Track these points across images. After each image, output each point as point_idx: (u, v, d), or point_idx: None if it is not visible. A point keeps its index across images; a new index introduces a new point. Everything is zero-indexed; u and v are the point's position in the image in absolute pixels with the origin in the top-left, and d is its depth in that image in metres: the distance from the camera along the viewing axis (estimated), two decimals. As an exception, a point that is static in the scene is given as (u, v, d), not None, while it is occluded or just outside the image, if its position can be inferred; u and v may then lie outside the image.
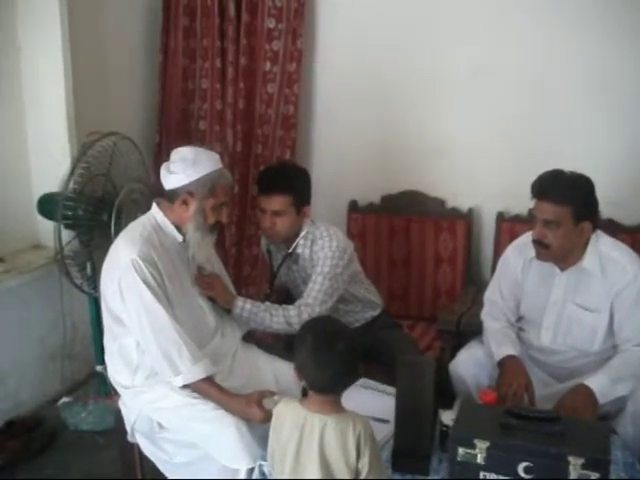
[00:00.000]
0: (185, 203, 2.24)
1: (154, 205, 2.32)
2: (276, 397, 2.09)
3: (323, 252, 2.64)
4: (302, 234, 2.68)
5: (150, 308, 2.16)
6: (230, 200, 2.45)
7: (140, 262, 2.15)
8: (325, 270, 2.61)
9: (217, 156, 2.31)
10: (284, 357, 2.47)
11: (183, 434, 2.21)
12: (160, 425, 2.25)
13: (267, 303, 2.60)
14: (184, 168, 2.22)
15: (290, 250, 2.71)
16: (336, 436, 1.71)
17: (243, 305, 2.51)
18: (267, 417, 2.01)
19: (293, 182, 2.64)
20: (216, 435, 2.13)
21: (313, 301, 2.58)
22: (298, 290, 2.78)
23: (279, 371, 2.44)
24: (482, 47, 3.24)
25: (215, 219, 2.30)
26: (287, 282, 2.90)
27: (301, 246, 2.70)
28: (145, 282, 2.15)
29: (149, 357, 2.22)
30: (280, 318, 2.54)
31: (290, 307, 2.57)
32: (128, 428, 2.32)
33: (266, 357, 2.54)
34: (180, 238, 2.30)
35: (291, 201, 2.60)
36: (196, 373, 2.18)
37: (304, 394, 1.83)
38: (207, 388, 2.19)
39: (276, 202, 2.59)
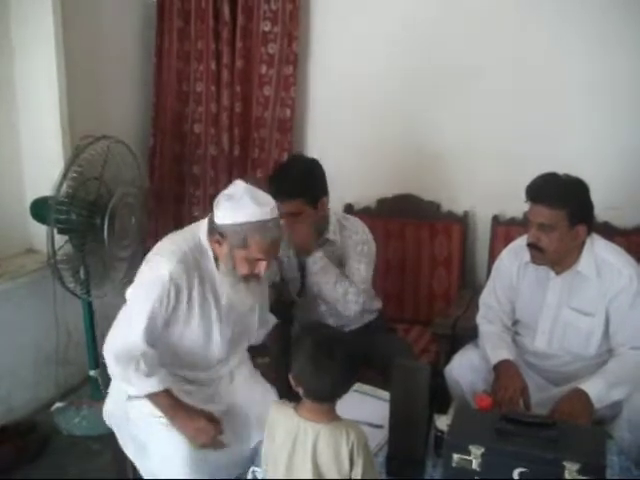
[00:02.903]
0: (218, 242, 2.11)
1: (205, 224, 2.18)
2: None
3: (359, 236, 2.70)
4: (332, 221, 2.71)
5: (140, 310, 2.10)
6: (271, 257, 2.13)
7: (168, 280, 2.08)
8: (372, 254, 2.71)
9: (268, 204, 2.08)
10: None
11: (140, 434, 2.20)
12: (127, 418, 2.22)
13: (337, 270, 2.66)
14: (225, 207, 2.06)
15: (325, 237, 2.70)
16: (329, 446, 1.69)
17: (321, 257, 2.61)
18: (212, 436, 2.06)
19: (303, 185, 2.59)
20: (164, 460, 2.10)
21: (366, 287, 2.70)
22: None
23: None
24: (478, 50, 3.22)
25: (248, 271, 2.11)
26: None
27: (332, 232, 2.71)
28: (158, 297, 2.08)
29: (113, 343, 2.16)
30: (342, 288, 2.63)
31: (350, 284, 2.65)
32: (105, 417, 2.30)
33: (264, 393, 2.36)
34: (216, 269, 2.17)
35: (305, 201, 2.58)
36: (150, 385, 2.11)
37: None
38: (158, 399, 2.13)
39: (291, 206, 2.55)
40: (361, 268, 2.69)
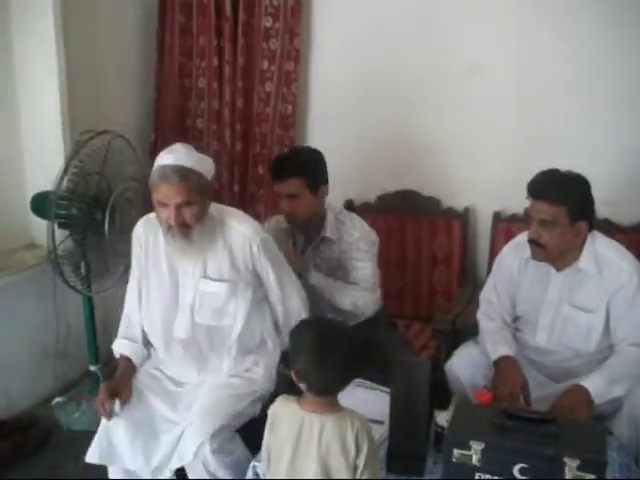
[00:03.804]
0: None
1: None
2: (117, 407, 2.22)
3: (358, 234, 2.70)
4: (329, 219, 2.71)
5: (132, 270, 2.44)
6: (174, 204, 2.14)
7: (133, 235, 2.40)
8: (373, 251, 2.71)
9: (174, 152, 2.20)
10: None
11: None
12: None
13: (339, 282, 2.68)
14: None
15: (321, 235, 2.71)
16: (335, 435, 1.70)
17: (318, 276, 2.64)
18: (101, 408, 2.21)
19: (303, 165, 2.64)
20: None
21: (372, 286, 2.69)
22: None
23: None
24: (478, 47, 3.23)
25: (163, 216, 2.18)
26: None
27: (329, 230, 2.71)
28: (134, 253, 2.41)
29: None
30: (349, 298, 2.65)
31: (353, 287, 2.67)
32: None
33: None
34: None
35: (304, 183, 2.60)
36: (116, 344, 2.44)
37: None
38: (119, 359, 2.42)
39: (288, 185, 2.60)
40: (366, 266, 2.69)
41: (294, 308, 2.43)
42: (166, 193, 2.13)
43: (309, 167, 2.65)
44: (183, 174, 2.12)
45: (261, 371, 2.38)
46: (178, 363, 2.39)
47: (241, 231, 2.29)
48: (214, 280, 2.29)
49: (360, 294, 2.66)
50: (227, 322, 2.34)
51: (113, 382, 2.29)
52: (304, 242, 2.77)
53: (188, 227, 2.18)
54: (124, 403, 2.24)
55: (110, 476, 2.32)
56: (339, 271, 2.75)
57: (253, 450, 2.09)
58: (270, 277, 2.36)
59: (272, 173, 2.67)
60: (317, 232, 2.72)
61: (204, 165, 2.22)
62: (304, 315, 2.41)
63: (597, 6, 3.01)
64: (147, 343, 2.44)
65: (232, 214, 2.36)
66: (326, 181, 2.70)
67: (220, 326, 2.34)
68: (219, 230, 2.29)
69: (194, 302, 2.31)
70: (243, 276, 2.31)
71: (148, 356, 2.45)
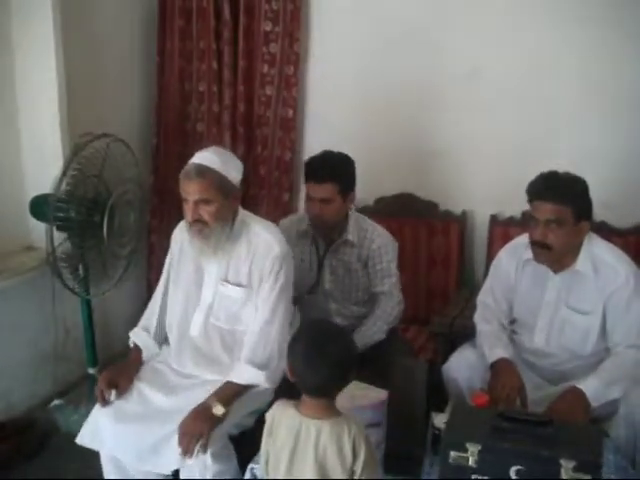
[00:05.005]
0: None
1: None
2: (112, 397, 2.27)
3: (381, 239, 2.74)
4: (351, 222, 2.74)
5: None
6: (192, 199, 2.24)
7: (172, 238, 2.51)
8: (394, 253, 2.76)
9: (202, 152, 2.33)
10: None
11: None
12: None
13: (362, 328, 2.69)
14: None
15: (344, 238, 2.73)
16: (332, 441, 1.70)
17: (359, 341, 2.52)
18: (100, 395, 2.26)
19: (340, 171, 2.67)
20: None
21: (398, 292, 2.76)
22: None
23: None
24: (476, 50, 3.24)
25: (185, 212, 2.29)
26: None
27: (351, 233, 2.73)
28: (169, 253, 2.52)
29: None
30: (383, 326, 2.71)
31: (380, 313, 2.72)
32: None
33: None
34: None
35: (338, 189, 2.63)
36: (134, 332, 2.51)
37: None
38: (132, 350, 2.49)
39: (324, 190, 2.62)
40: (391, 266, 2.75)
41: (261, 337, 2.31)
42: (186, 189, 2.24)
43: (344, 173, 2.69)
44: (201, 171, 2.23)
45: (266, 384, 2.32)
46: (187, 360, 2.40)
47: (266, 239, 2.34)
48: (232, 284, 2.35)
49: (388, 307, 2.73)
50: (240, 328, 2.36)
51: (114, 373, 2.34)
52: (325, 245, 2.78)
53: (206, 225, 2.25)
54: (120, 394, 2.29)
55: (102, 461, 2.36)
56: (354, 274, 2.77)
57: (245, 458, 2.09)
58: (263, 294, 2.32)
59: (307, 174, 2.68)
60: (338, 235, 2.75)
61: (228, 167, 2.30)
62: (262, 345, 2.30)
63: (597, 8, 3.02)
64: (160, 339, 2.51)
65: (261, 222, 2.43)
66: (354, 188, 2.73)
67: (233, 331, 2.37)
68: (245, 235, 2.35)
69: (213, 303, 2.37)
70: (256, 282, 2.34)
71: (159, 353, 2.49)
